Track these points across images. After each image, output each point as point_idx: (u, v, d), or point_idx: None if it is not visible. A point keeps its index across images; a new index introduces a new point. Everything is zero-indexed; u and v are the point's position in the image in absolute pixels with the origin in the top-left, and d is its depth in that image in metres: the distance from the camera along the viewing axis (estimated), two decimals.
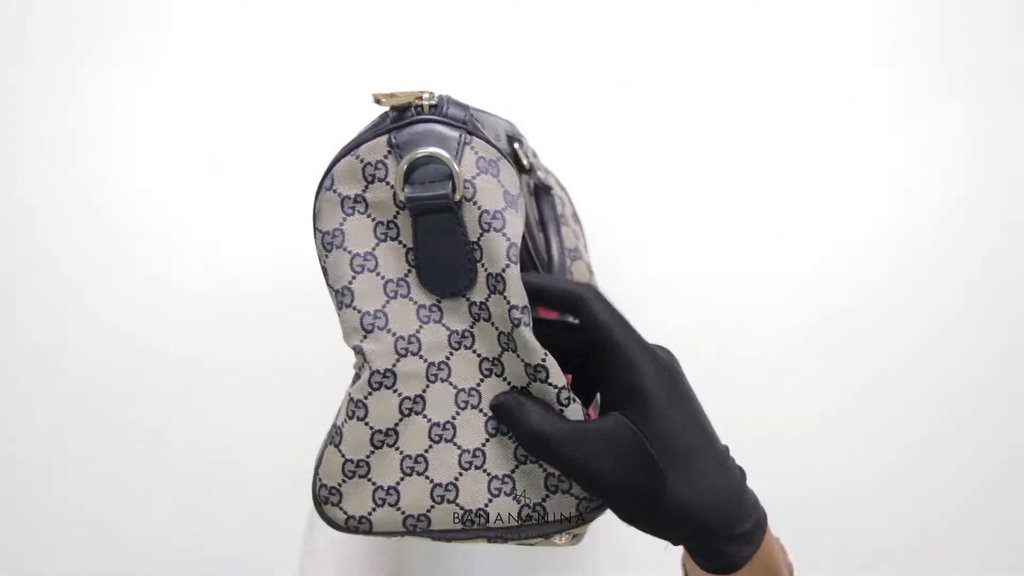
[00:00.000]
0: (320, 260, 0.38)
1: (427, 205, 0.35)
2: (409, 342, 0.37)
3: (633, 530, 0.36)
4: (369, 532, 0.38)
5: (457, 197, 0.35)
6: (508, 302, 0.36)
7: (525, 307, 0.36)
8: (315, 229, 0.37)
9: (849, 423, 0.72)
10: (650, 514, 0.35)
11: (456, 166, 0.35)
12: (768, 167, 0.74)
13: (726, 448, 0.37)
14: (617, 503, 0.35)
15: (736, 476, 0.36)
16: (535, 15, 0.74)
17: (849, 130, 0.74)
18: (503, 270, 0.36)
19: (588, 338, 0.36)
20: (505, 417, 0.36)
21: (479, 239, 0.36)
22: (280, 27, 0.74)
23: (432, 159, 0.35)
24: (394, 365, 0.37)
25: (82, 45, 0.74)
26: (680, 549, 0.40)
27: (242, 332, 0.73)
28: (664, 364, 0.36)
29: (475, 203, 0.36)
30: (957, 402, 0.74)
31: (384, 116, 0.37)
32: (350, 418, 0.37)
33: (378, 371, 0.36)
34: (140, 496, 0.74)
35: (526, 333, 0.36)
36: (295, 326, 0.71)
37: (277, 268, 0.73)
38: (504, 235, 0.36)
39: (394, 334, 0.37)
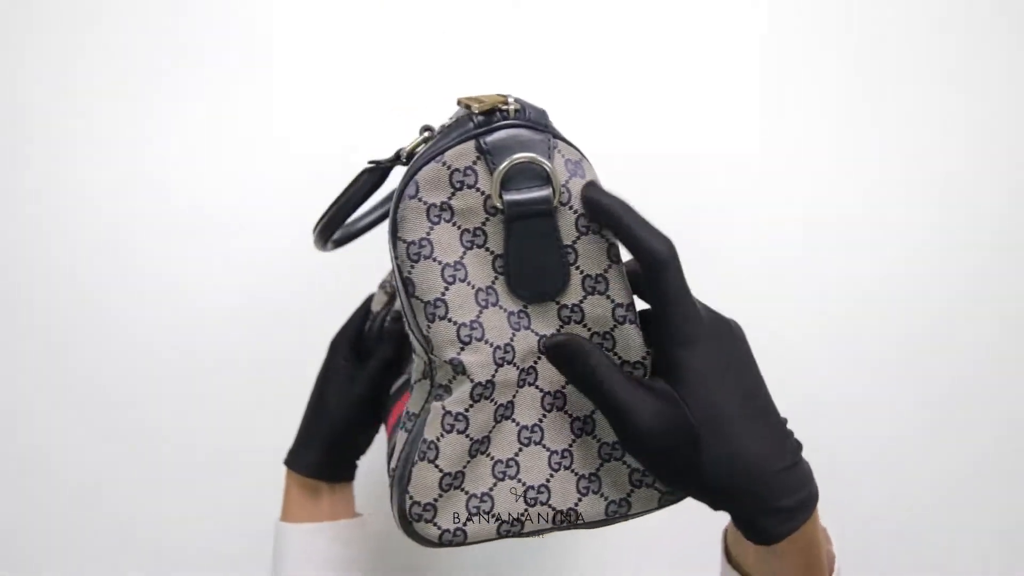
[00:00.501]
0: (401, 271, 0.37)
1: (527, 210, 0.35)
2: (505, 351, 0.36)
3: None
4: (463, 543, 0.38)
5: (556, 202, 0.36)
6: (612, 301, 0.36)
7: (631, 304, 0.37)
8: (397, 239, 0.36)
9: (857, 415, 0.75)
10: (685, 479, 0.36)
11: (553, 171, 0.35)
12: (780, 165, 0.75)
13: (784, 421, 0.37)
14: (654, 466, 0.36)
15: (786, 450, 0.36)
16: (535, 15, 0.74)
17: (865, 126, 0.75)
18: (605, 271, 0.36)
19: (648, 293, 0.36)
20: (565, 359, 0.36)
21: (575, 242, 0.36)
22: (283, 28, 0.74)
23: (531, 163, 0.35)
24: (493, 376, 0.36)
25: (80, 45, 0.73)
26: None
27: (249, 329, 0.73)
28: (721, 336, 0.36)
29: (571, 207, 0.36)
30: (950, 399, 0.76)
31: (465, 119, 0.37)
32: (448, 432, 0.36)
33: (480, 383, 0.36)
34: (141, 496, 0.74)
35: (631, 330, 0.37)
36: (305, 324, 0.70)
37: (280, 268, 0.74)
38: (603, 236, 0.36)
39: (491, 344, 0.36)
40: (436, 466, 0.36)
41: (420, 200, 0.36)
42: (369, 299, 0.58)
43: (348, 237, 0.54)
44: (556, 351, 0.36)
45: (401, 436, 0.39)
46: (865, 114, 0.76)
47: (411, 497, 0.37)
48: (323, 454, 0.56)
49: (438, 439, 0.36)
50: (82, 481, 0.74)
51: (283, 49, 0.74)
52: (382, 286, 0.55)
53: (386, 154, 0.53)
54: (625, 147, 0.73)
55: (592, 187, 0.36)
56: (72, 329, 0.73)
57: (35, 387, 0.74)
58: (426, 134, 0.40)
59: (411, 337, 0.39)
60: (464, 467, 0.37)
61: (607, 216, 0.35)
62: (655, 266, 0.34)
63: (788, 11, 0.75)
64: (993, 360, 0.76)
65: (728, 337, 0.37)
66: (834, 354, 0.76)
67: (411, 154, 0.41)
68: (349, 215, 0.49)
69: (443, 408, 0.36)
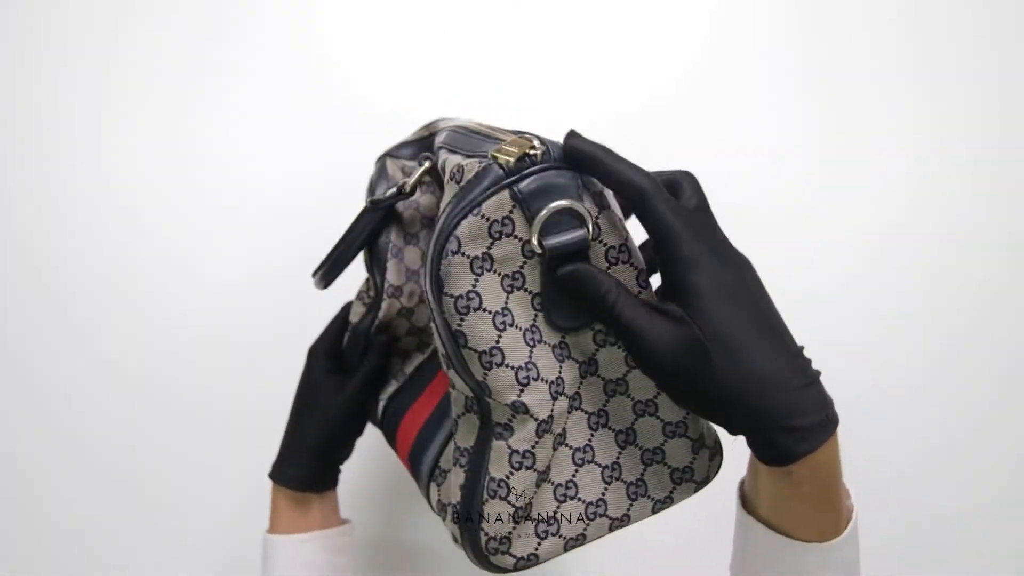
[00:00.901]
0: (449, 325, 0.37)
1: (566, 252, 0.36)
2: (558, 384, 0.38)
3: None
4: (535, 564, 0.40)
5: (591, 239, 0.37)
6: None
7: None
8: (443, 295, 0.36)
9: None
10: (699, 397, 0.36)
11: (587, 212, 0.36)
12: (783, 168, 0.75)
13: (801, 348, 0.37)
14: (669, 385, 0.37)
15: (801, 371, 0.36)
16: (535, 15, 0.74)
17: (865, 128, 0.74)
18: (637, 295, 0.38)
19: (649, 234, 0.37)
20: (577, 280, 0.37)
21: (607, 271, 0.38)
22: (277, 29, 0.73)
23: (565, 209, 0.36)
24: (552, 410, 0.38)
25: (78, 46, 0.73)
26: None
27: (233, 339, 0.73)
28: (729, 263, 0.37)
29: (601, 241, 0.37)
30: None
31: (489, 169, 0.37)
32: (517, 469, 0.38)
33: (543, 420, 0.38)
34: (129, 505, 0.74)
35: None
36: (288, 333, 0.69)
37: (264, 278, 0.74)
38: (632, 265, 0.38)
39: (547, 381, 0.38)
40: (508, 502, 0.38)
41: (463, 255, 0.36)
42: (346, 309, 0.58)
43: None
44: (570, 277, 0.37)
45: (458, 473, 0.40)
46: (876, 113, 0.74)
47: (486, 534, 0.38)
48: (310, 467, 0.56)
49: (507, 477, 0.38)
50: (61, 490, 0.74)
51: (281, 49, 0.73)
52: (359, 297, 0.55)
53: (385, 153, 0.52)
54: (626, 149, 0.71)
55: (573, 136, 0.37)
56: (54, 338, 0.74)
57: (14, 398, 0.74)
58: (427, 164, 0.42)
59: (457, 379, 0.40)
60: (532, 498, 0.39)
61: (589, 161, 0.36)
62: (641, 197, 0.36)
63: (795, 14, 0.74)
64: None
65: (737, 263, 0.37)
66: (855, 356, 0.75)
67: (414, 187, 0.42)
68: (354, 257, 0.50)
69: (508, 447, 0.38)
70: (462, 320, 0.36)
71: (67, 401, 0.74)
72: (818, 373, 0.37)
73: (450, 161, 0.39)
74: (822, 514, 0.39)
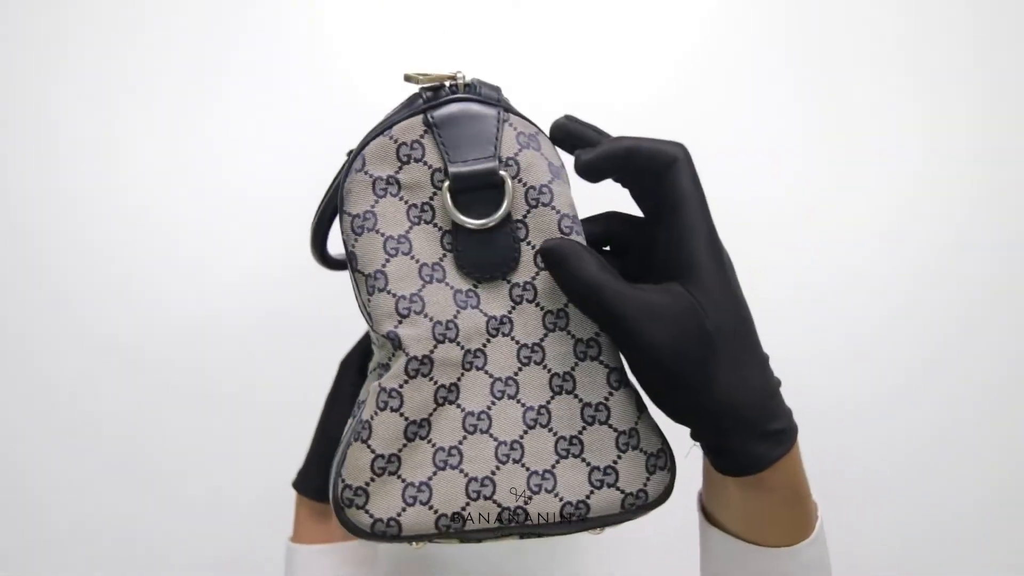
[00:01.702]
0: (347, 245, 0.35)
1: (473, 183, 0.34)
2: (447, 328, 0.35)
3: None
4: (398, 536, 0.34)
5: (503, 174, 0.34)
6: None
7: None
8: (342, 212, 0.35)
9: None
10: (697, 396, 0.33)
11: (500, 143, 0.35)
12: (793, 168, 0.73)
13: (767, 356, 0.36)
14: (669, 380, 0.33)
15: (771, 378, 0.35)
16: (535, 15, 0.73)
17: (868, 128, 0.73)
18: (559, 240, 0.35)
19: (658, 199, 0.34)
20: (557, 262, 0.34)
21: (525, 216, 0.35)
22: (277, 28, 0.73)
23: (478, 137, 0.34)
24: (431, 352, 0.34)
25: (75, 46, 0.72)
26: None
27: (258, 343, 0.73)
28: (725, 254, 0.35)
29: (520, 180, 0.35)
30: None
31: (415, 97, 0.36)
32: (381, 409, 0.34)
33: (415, 357, 0.34)
34: (144, 507, 0.73)
35: None
36: (313, 339, 0.69)
37: (291, 280, 0.73)
38: (554, 208, 0.35)
39: (431, 319, 0.34)
40: (368, 446, 0.34)
41: (366, 173, 0.35)
42: None
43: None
44: (547, 254, 0.34)
45: (348, 424, 0.37)
46: (877, 113, 0.74)
47: (343, 480, 0.34)
48: (322, 480, 0.54)
49: (372, 418, 0.34)
50: (64, 490, 0.73)
51: (281, 49, 0.73)
52: None
53: None
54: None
55: (585, 151, 0.35)
56: (55, 339, 0.73)
57: (14, 399, 0.73)
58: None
59: (362, 316, 0.37)
60: (400, 451, 0.34)
61: (612, 160, 0.35)
62: (669, 163, 0.34)
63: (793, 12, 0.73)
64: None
65: (728, 258, 0.36)
66: (844, 361, 0.73)
67: None
68: (333, 217, 0.46)
69: (380, 386, 0.34)
70: (356, 240, 0.35)
71: (69, 401, 0.74)
72: (779, 382, 0.36)
73: None
74: (795, 516, 0.38)
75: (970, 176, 0.74)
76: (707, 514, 0.41)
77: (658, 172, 0.34)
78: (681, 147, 0.35)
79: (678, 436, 0.37)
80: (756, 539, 0.38)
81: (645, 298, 0.32)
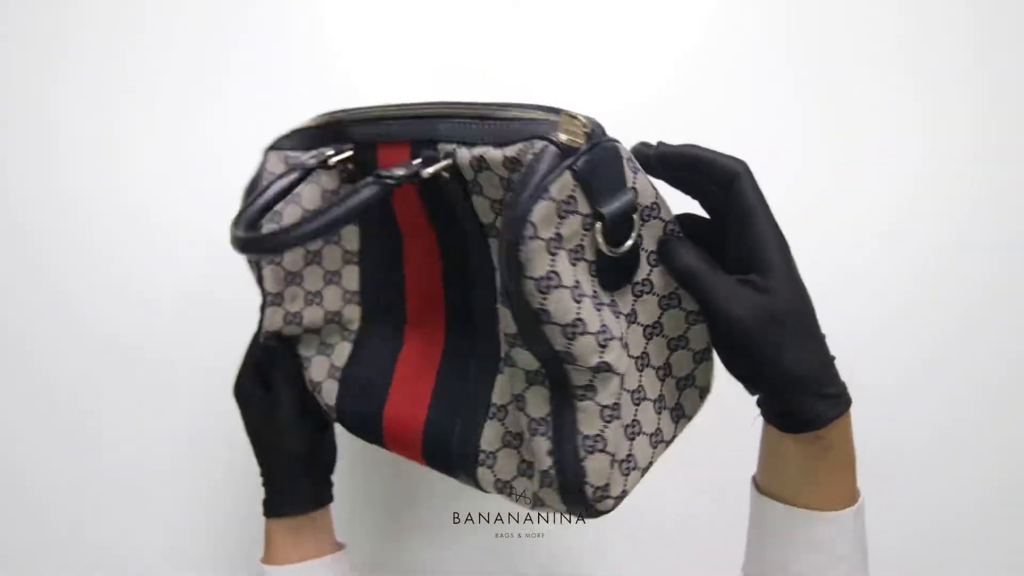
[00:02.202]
0: (529, 305, 0.39)
1: (621, 216, 0.40)
2: (624, 341, 0.42)
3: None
4: (625, 498, 0.43)
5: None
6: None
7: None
8: (524, 277, 0.38)
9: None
10: (769, 366, 0.40)
11: (630, 177, 0.41)
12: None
13: (824, 335, 0.43)
14: (746, 350, 0.41)
15: (828, 352, 0.42)
16: (535, 15, 0.73)
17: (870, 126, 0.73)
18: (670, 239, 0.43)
19: (728, 208, 0.42)
20: (666, 255, 0.42)
21: (640, 228, 0.42)
22: (273, 26, 0.73)
23: (617, 178, 0.40)
24: (625, 363, 0.42)
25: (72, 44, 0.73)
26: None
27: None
28: (788, 249, 0.42)
29: (638, 202, 0.41)
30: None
31: (546, 152, 0.38)
32: (608, 422, 0.41)
33: (622, 375, 0.41)
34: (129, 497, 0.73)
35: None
36: None
37: None
38: (660, 219, 0.42)
39: (619, 339, 0.41)
40: (607, 453, 0.41)
41: (539, 239, 0.38)
42: (257, 334, 0.56)
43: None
44: (661, 250, 0.42)
45: (540, 442, 0.43)
46: (877, 113, 0.73)
47: (592, 485, 0.41)
48: (300, 489, 0.54)
49: (602, 431, 0.41)
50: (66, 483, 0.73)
51: (276, 47, 0.73)
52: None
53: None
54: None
55: (662, 144, 0.43)
56: (54, 338, 0.73)
57: (21, 399, 0.74)
58: (447, 161, 0.43)
59: (522, 356, 0.42)
60: (622, 441, 0.43)
61: (680, 159, 0.43)
62: (733, 177, 0.41)
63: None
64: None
65: (791, 254, 0.43)
66: (844, 361, 0.72)
67: (436, 177, 0.42)
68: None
69: (597, 404, 0.41)
70: (544, 299, 0.38)
71: (69, 401, 0.74)
72: (834, 357, 0.43)
73: (488, 154, 0.41)
74: (845, 480, 0.44)
75: (970, 176, 0.74)
76: (760, 489, 0.47)
77: (724, 184, 0.41)
78: (743, 163, 0.42)
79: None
80: (807, 503, 0.44)
81: (730, 283, 0.40)
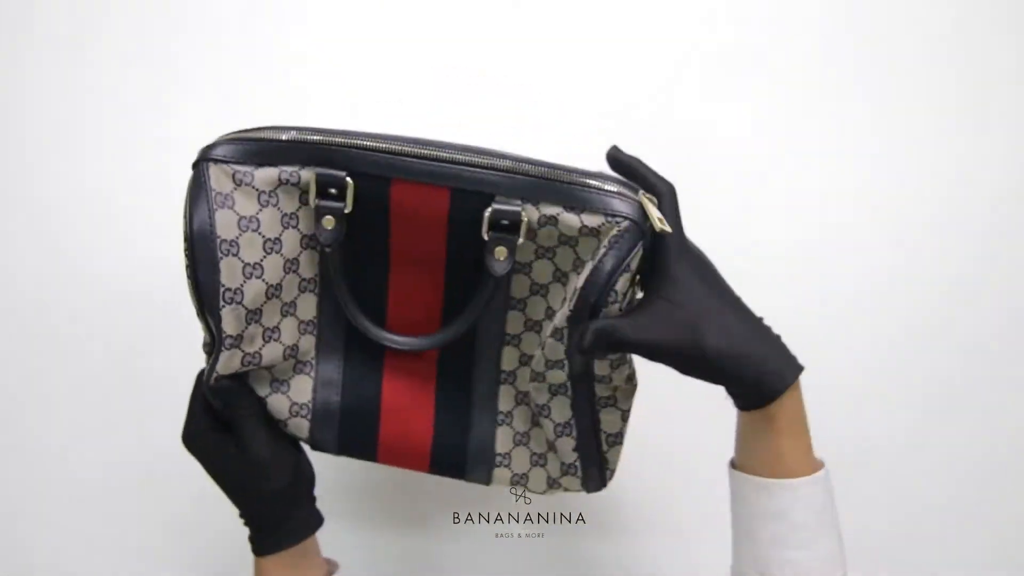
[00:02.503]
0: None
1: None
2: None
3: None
4: None
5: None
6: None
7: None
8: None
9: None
10: (698, 362, 0.44)
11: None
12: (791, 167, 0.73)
13: (761, 318, 0.47)
14: (674, 360, 0.45)
15: (765, 330, 0.46)
16: (535, 16, 0.73)
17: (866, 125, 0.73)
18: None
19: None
20: (598, 338, 0.45)
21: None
22: (273, 26, 0.73)
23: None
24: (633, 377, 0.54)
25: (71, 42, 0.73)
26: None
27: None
28: (695, 255, 0.47)
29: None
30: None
31: (631, 230, 0.45)
32: (626, 421, 0.53)
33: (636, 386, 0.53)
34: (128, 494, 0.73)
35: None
36: None
37: None
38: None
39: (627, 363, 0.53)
40: (622, 445, 0.53)
41: (618, 304, 0.46)
42: (199, 380, 0.53)
43: None
44: (594, 335, 0.45)
45: (566, 441, 0.52)
46: (876, 112, 0.73)
47: (612, 470, 0.54)
48: (290, 522, 0.52)
49: (623, 429, 0.53)
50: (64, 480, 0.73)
51: (275, 47, 0.73)
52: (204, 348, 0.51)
53: None
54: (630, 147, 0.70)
55: (615, 148, 0.49)
56: (63, 338, 0.73)
57: (21, 399, 0.74)
58: (524, 219, 0.47)
59: (558, 375, 0.50)
60: None
61: (626, 167, 0.48)
62: (658, 196, 0.46)
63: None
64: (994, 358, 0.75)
65: (700, 256, 0.48)
66: (844, 361, 0.74)
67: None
68: None
69: (619, 409, 0.52)
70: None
71: (69, 401, 0.74)
72: (779, 336, 0.47)
73: (561, 216, 0.46)
74: (797, 445, 0.47)
75: (972, 176, 0.74)
76: (734, 466, 0.50)
77: (653, 199, 0.46)
78: (669, 185, 0.47)
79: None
80: (766, 473, 0.47)
81: (640, 319, 0.45)
